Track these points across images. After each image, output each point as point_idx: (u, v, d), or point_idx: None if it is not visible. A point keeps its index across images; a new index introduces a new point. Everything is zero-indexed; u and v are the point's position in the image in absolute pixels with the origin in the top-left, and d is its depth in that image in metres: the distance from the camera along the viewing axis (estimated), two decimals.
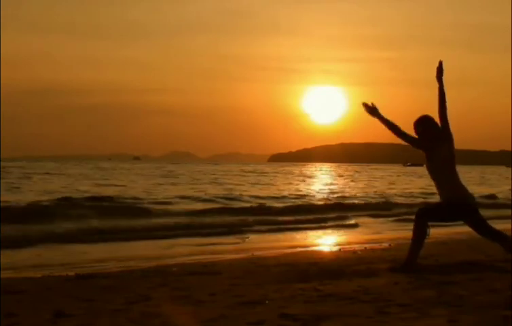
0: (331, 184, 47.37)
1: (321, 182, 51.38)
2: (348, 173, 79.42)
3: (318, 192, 34.20)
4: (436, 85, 6.82)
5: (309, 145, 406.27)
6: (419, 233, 6.70)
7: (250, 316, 4.66)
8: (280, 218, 19.21)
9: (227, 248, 12.58)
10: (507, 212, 20.43)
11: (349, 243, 13.09)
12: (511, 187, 37.48)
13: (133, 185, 38.15)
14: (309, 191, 35.40)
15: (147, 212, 19.00)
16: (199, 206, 22.01)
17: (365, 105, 7.02)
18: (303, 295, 5.45)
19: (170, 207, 21.08)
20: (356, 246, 11.27)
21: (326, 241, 14.20)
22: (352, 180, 55.20)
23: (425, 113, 6.88)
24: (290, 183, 46.01)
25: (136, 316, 4.84)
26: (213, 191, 31.38)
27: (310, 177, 63.07)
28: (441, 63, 6.88)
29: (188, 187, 35.44)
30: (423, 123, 6.84)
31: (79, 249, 12.08)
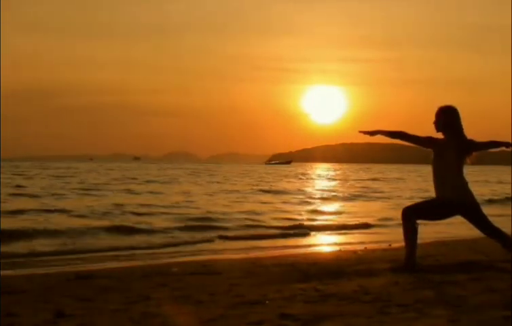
0: None
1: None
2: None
3: None
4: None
5: (310, 145, 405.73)
6: (411, 231, 6.70)
7: (250, 316, 4.67)
8: None
9: (227, 248, 12.60)
10: None
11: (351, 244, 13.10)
12: None
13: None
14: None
15: None
16: None
17: (363, 133, 7.01)
18: (303, 295, 5.45)
19: None
20: (356, 247, 11.27)
21: None
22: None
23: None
24: None
25: (136, 316, 4.84)
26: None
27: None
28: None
29: None
30: (454, 114, 6.85)
31: None
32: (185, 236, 14.48)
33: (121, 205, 22.21)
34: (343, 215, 20.77)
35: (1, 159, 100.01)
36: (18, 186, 34.39)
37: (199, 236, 14.43)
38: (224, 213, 19.70)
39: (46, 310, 5.12)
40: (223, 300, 5.38)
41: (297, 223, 17.60)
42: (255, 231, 15.56)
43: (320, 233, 15.71)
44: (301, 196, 30.64)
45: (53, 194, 28.60)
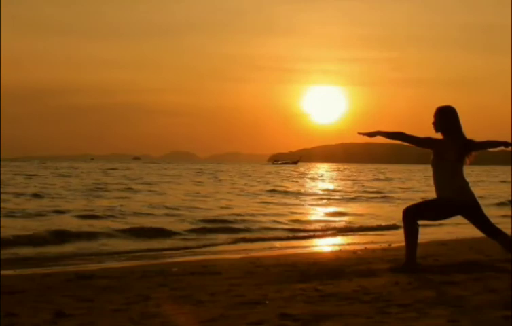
0: None
1: None
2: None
3: None
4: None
5: (309, 145, 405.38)
6: (412, 231, 6.71)
7: (250, 316, 4.66)
8: None
9: (227, 249, 12.59)
10: None
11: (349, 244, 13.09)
12: None
13: None
14: None
15: None
16: None
17: (362, 134, 7.01)
18: (303, 295, 5.45)
19: None
20: (356, 247, 11.26)
21: None
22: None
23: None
24: None
25: (136, 316, 4.84)
26: None
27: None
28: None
29: None
30: (452, 114, 6.85)
31: None
32: (221, 237, 14.47)
33: (124, 206, 22.13)
34: (366, 216, 20.52)
35: (0, 159, 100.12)
36: (24, 187, 34.38)
37: (231, 237, 14.43)
38: (252, 215, 19.60)
39: (46, 310, 5.12)
40: (223, 300, 5.38)
41: (325, 225, 17.59)
42: (283, 234, 15.47)
43: (349, 234, 15.62)
44: (317, 197, 30.68)
45: (57, 194, 28.56)
